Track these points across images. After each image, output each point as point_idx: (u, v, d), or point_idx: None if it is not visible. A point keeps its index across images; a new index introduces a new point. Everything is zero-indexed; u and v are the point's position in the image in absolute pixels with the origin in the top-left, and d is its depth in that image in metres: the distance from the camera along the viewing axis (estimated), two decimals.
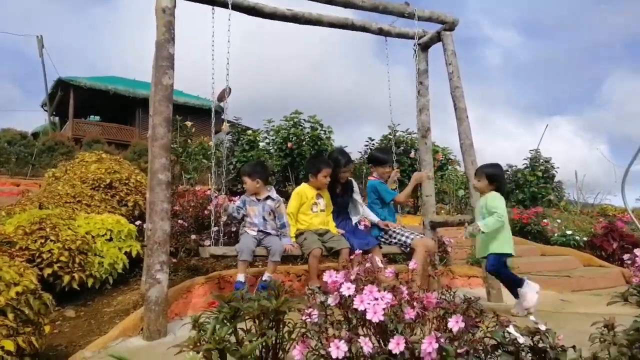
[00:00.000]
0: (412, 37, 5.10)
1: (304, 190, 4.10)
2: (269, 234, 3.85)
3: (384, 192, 4.41)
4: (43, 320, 2.52)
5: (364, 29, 4.75)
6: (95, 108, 22.93)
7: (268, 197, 3.97)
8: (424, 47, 5.20)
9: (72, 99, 21.04)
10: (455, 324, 1.68)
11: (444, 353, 1.58)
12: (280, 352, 2.04)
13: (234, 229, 4.62)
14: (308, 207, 4.04)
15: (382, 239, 4.27)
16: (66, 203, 4.66)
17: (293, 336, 2.04)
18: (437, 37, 4.93)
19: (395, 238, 4.20)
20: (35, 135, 17.50)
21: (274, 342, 1.99)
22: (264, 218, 3.89)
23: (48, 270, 3.55)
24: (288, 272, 4.41)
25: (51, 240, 3.67)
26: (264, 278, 3.73)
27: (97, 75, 22.89)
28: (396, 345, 1.58)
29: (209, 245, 4.09)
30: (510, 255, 3.69)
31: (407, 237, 4.14)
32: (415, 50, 5.27)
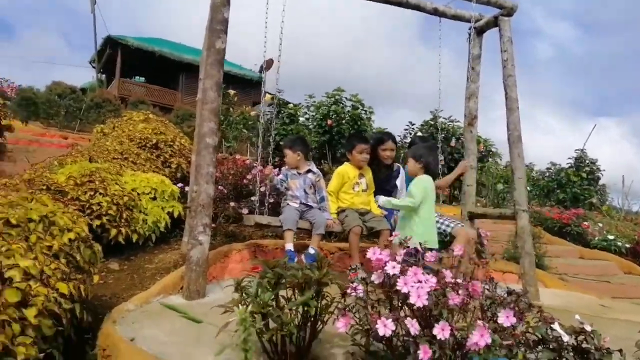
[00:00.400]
0: (468, 20, 4.92)
1: (345, 170, 4.09)
2: (310, 207, 3.88)
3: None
4: (92, 269, 2.62)
5: (418, 7, 4.62)
6: (140, 69, 23.35)
7: (309, 171, 4.00)
8: (479, 32, 5.03)
9: (120, 58, 21.50)
10: (506, 319, 1.65)
11: (490, 342, 1.57)
12: (319, 324, 2.07)
13: (271, 201, 4.68)
14: (350, 187, 4.02)
15: None
16: (114, 159, 4.82)
17: (331, 309, 2.07)
18: (494, 22, 4.75)
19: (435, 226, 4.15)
20: (83, 90, 18.01)
21: (314, 312, 2.02)
22: (305, 191, 3.92)
23: (97, 222, 3.69)
24: (321, 248, 4.44)
25: (100, 193, 3.81)
26: (309, 251, 3.72)
27: (144, 35, 23.28)
28: (441, 330, 1.58)
29: (248, 214, 4.17)
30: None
31: (447, 225, 4.09)
32: (469, 34, 5.10)
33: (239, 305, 2.00)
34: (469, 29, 5.13)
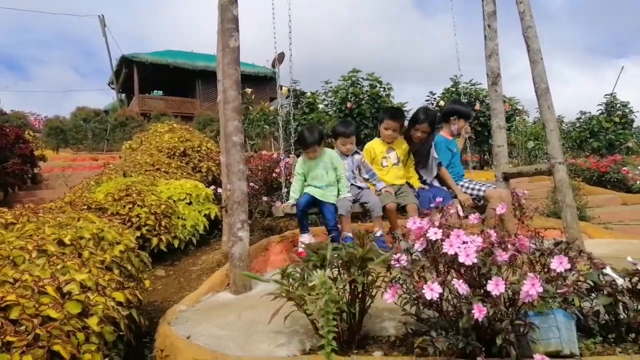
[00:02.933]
0: None
1: (372, 146, 4.06)
2: (361, 188, 3.85)
3: (440, 151, 4.18)
4: (143, 276, 2.73)
5: None
6: (157, 83, 23.79)
7: (355, 152, 3.97)
8: None
9: (136, 75, 21.94)
10: (559, 264, 1.63)
11: (542, 292, 1.55)
12: (368, 298, 2.09)
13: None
14: (378, 162, 4.00)
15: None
16: (146, 171, 4.95)
17: (377, 284, 2.09)
18: None
19: (468, 189, 4.10)
20: (106, 112, 18.49)
21: (362, 288, 2.04)
22: (352, 172, 3.90)
23: (137, 233, 3.82)
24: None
25: (138, 205, 3.93)
26: (376, 235, 3.69)
27: (156, 49, 23.64)
28: (495, 286, 1.57)
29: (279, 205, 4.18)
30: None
31: (478, 189, 4.03)
32: None
33: (288, 291, 2.04)
34: None
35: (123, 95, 24.51)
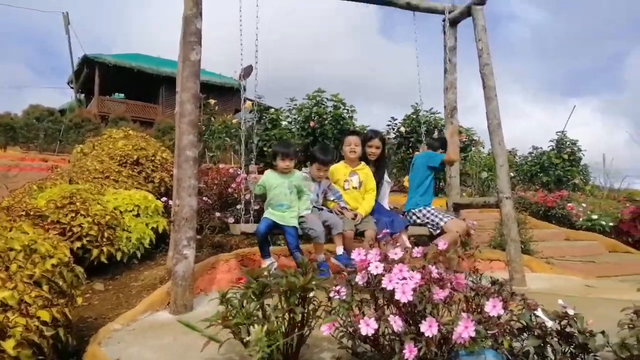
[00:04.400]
0: (442, 12, 4.98)
1: (336, 168, 4.14)
2: (322, 209, 3.89)
3: (433, 157, 4.40)
4: (75, 292, 2.59)
5: (390, 2, 4.66)
6: (120, 85, 23.18)
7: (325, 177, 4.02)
8: (453, 22, 5.07)
9: (98, 77, 21.32)
10: (493, 308, 1.66)
11: (475, 335, 1.57)
12: (306, 329, 2.06)
13: (256, 207, 4.65)
14: (340, 185, 4.07)
15: (413, 220, 4.25)
16: (95, 178, 4.76)
17: (318, 313, 2.06)
18: (467, 12, 4.78)
19: (428, 218, 4.17)
20: (62, 112, 17.81)
21: (300, 318, 2.01)
22: (317, 195, 3.94)
23: (78, 244, 3.66)
24: (310, 251, 4.42)
25: (81, 215, 3.77)
26: (338, 252, 3.69)
27: (122, 52, 23.08)
28: (429, 327, 1.58)
29: (234, 223, 4.14)
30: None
31: (440, 218, 4.11)
32: (444, 26, 5.14)
33: (227, 317, 1.99)
34: (443, 20, 5.17)
35: (83, 95, 23.73)
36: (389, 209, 4.61)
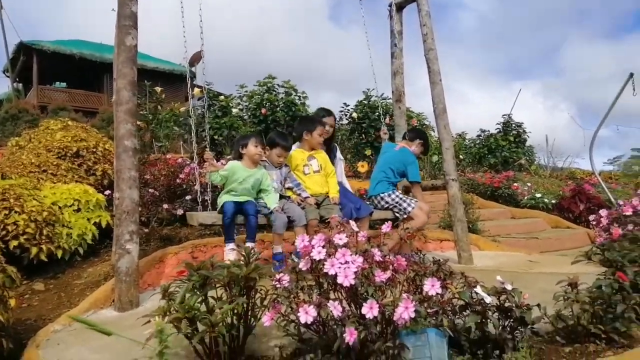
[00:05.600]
0: None
1: (292, 154, 4.03)
2: (286, 198, 3.81)
3: (417, 168, 4.40)
4: (8, 294, 2.44)
5: None
6: (61, 74, 21.97)
7: (285, 164, 3.94)
8: (399, 8, 5.10)
9: (36, 64, 20.12)
10: (431, 287, 1.69)
11: (415, 315, 1.59)
12: (252, 319, 2.03)
13: (207, 197, 4.55)
14: (300, 170, 3.98)
15: (381, 205, 4.28)
16: (30, 173, 4.51)
17: (265, 303, 2.04)
18: None
19: (397, 203, 4.20)
20: None
21: (244, 309, 1.98)
22: (280, 183, 3.85)
23: (14, 243, 3.46)
24: (263, 240, 4.38)
25: (16, 212, 3.56)
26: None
27: (62, 38, 21.85)
28: (369, 309, 1.59)
29: (188, 212, 3.98)
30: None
31: (407, 204, 4.17)
32: (390, 11, 5.17)
33: (169, 311, 1.93)
34: (389, 5, 5.19)
35: (21, 85, 22.36)
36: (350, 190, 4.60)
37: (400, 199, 4.23)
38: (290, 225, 3.66)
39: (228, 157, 5.88)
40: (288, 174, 3.94)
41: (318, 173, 4.01)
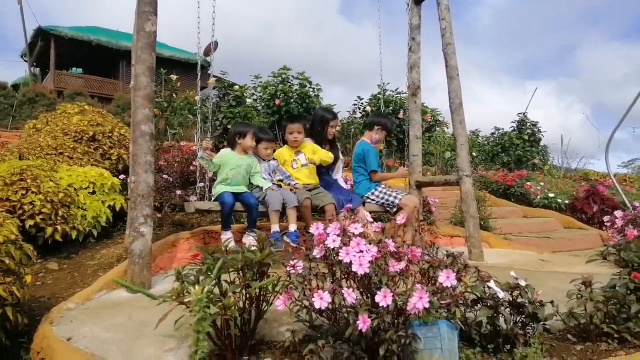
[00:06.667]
0: None
1: (280, 152, 4.20)
2: (279, 187, 3.93)
3: (372, 157, 4.34)
4: (24, 271, 2.49)
5: None
6: (77, 60, 22.15)
7: (272, 158, 4.09)
8: (417, 1, 5.05)
9: (54, 50, 20.28)
10: (446, 279, 1.68)
11: (429, 305, 1.60)
12: (264, 304, 2.05)
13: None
14: (289, 166, 4.12)
15: (369, 198, 4.28)
16: (48, 155, 4.57)
17: (277, 289, 2.05)
18: None
19: (383, 198, 4.22)
20: (16, 86, 16.92)
21: (257, 293, 1.99)
22: (270, 175, 3.99)
23: (30, 222, 3.51)
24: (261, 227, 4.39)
25: (33, 192, 3.61)
26: (290, 230, 3.68)
27: (79, 25, 22.02)
28: (383, 298, 1.59)
29: (195, 201, 4.07)
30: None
31: (395, 197, 4.17)
32: (408, 4, 5.12)
33: (183, 294, 1.95)
34: None
35: (38, 70, 22.58)
36: (350, 187, 4.65)
37: (386, 193, 4.25)
38: (282, 209, 3.76)
39: None
40: (277, 167, 4.07)
41: (306, 167, 4.11)
